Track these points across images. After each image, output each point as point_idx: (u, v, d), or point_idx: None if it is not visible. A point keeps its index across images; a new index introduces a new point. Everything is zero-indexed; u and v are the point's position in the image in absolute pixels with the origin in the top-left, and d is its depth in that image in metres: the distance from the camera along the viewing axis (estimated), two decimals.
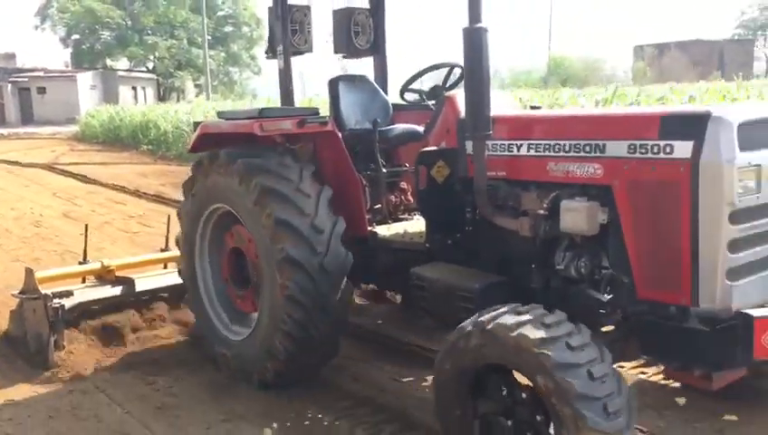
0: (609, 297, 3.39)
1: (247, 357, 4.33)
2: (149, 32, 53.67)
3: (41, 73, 50.92)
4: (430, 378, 3.56)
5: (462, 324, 3.09)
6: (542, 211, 3.48)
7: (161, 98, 51.92)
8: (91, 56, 55.57)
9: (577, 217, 3.30)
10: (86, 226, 5.78)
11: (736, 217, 2.89)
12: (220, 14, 56.95)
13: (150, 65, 57.13)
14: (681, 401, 3.94)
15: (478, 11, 3.51)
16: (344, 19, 5.42)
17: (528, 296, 3.50)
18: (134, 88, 53.06)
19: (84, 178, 15.81)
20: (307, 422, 3.95)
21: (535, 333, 2.80)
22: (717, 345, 2.88)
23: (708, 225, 2.91)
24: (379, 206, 4.69)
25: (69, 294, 4.89)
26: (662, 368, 3.98)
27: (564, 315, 2.94)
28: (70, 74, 50.20)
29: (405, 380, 4.49)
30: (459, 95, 3.92)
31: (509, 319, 2.92)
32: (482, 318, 3.01)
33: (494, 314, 3.00)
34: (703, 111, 2.96)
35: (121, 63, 57.52)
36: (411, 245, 4.28)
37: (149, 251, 6.37)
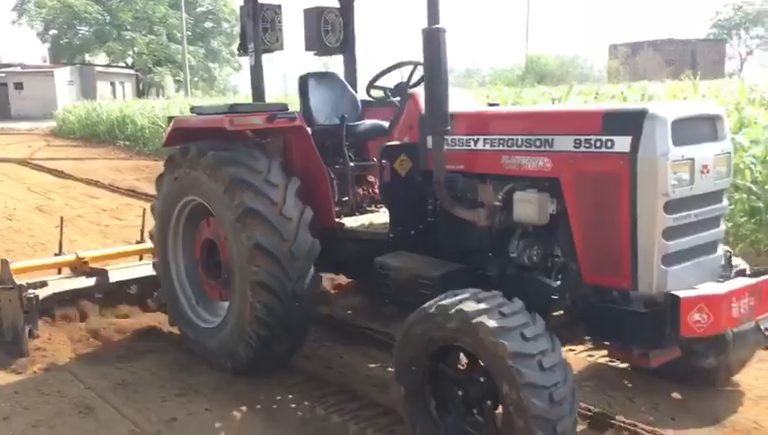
0: (559, 283, 3.60)
1: (220, 344, 4.48)
2: (128, 27, 53.38)
3: (18, 69, 50.44)
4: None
5: (441, 302, 3.20)
6: (497, 202, 3.67)
7: (141, 94, 51.67)
8: (70, 51, 55.19)
9: (528, 207, 3.50)
10: (61, 218, 5.90)
11: (670, 206, 3.10)
12: (200, 9, 56.74)
13: (129, 61, 56.82)
14: (625, 380, 4.19)
15: (436, 12, 3.70)
16: (314, 18, 5.56)
17: (485, 284, 3.71)
18: (112, 84, 52.76)
19: (59, 174, 15.94)
20: (274, 405, 4.13)
21: (493, 323, 2.97)
22: (652, 326, 3.09)
23: (645, 214, 3.12)
24: (347, 198, 4.85)
25: (43, 284, 5.02)
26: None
27: (521, 305, 3.11)
28: (47, 70, 49.78)
29: (372, 365, 4.68)
30: (422, 92, 4.09)
31: (470, 305, 3.10)
32: (443, 302, 3.19)
33: (454, 299, 3.17)
34: (640, 108, 3.17)
35: (100, 59, 57.11)
36: (376, 235, 4.44)
37: (120, 243, 6.49)
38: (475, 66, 76.92)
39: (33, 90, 46.92)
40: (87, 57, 56.45)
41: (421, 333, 3.24)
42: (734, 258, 3.75)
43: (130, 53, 55.30)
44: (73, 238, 8.20)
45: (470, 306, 3.04)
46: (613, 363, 4.26)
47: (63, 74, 48.95)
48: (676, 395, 4.00)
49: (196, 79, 54.86)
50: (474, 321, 2.97)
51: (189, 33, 48.19)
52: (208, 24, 57.87)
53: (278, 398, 4.20)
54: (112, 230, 9.33)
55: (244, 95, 26.01)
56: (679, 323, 2.81)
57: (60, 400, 4.18)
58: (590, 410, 3.76)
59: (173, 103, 25.77)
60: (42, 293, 4.95)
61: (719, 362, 3.17)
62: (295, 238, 4.22)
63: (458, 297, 3.16)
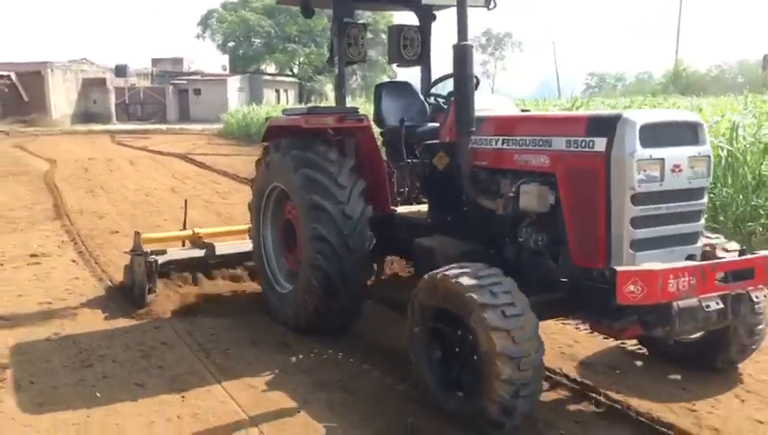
0: (557, 265, 3.98)
1: (288, 306, 5.20)
2: (296, 39, 56.36)
3: (197, 77, 54.98)
4: None
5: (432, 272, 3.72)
6: (511, 194, 4.11)
7: (303, 100, 54.37)
8: (245, 61, 58.99)
9: (530, 198, 3.92)
10: (185, 201, 6.89)
11: (637, 199, 3.44)
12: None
13: (295, 70, 59.99)
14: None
15: (465, 31, 4.20)
16: (396, 34, 6.17)
17: (500, 264, 4.15)
18: (277, 91, 55.97)
19: (201, 165, 18.39)
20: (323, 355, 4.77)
21: (468, 281, 3.46)
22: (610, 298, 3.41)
23: (616, 205, 3.48)
24: (403, 190, 5.42)
25: (163, 252, 5.98)
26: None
27: (497, 271, 3.56)
28: (221, 78, 53.84)
29: None
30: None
31: (454, 271, 3.60)
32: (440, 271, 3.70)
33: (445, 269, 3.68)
34: (616, 113, 3.52)
35: (271, 69, 60.71)
36: (419, 221, 4.98)
37: (213, 215, 7.52)
38: (621, 72, 74.33)
39: (209, 95, 51.03)
40: (263, 67, 59.99)
41: (423, 297, 3.76)
42: (732, 249, 3.96)
43: (295, 63, 58.37)
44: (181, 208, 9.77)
45: (455, 271, 3.54)
46: (624, 345, 4.58)
47: (235, 82, 52.77)
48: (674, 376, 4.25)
49: (354, 86, 56.87)
50: (453, 281, 3.48)
51: None
52: (368, 36, 59.88)
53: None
54: (213, 206, 11.48)
55: None
56: (616, 292, 3.15)
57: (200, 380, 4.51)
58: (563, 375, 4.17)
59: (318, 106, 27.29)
60: (161, 259, 5.91)
61: (666, 333, 3.42)
62: (354, 233, 4.79)
63: (453, 268, 3.65)
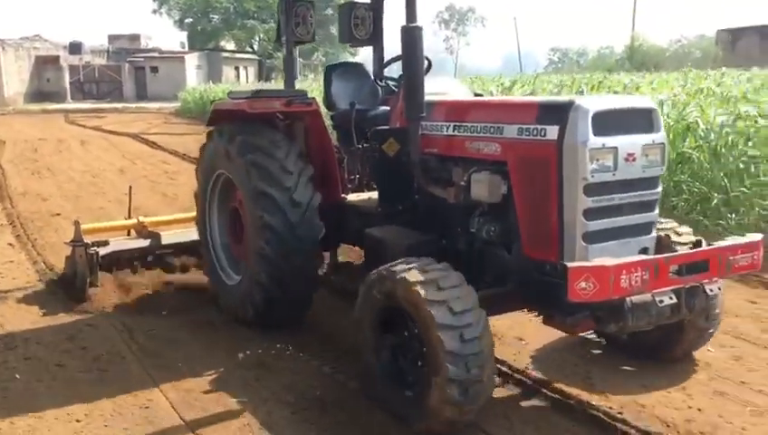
0: (510, 257, 3.83)
1: (236, 298, 4.97)
2: (255, 15, 55.21)
3: (155, 54, 53.57)
4: None
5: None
6: (462, 183, 3.92)
7: (264, 78, 53.46)
8: (203, 38, 57.65)
9: (482, 187, 3.74)
10: (130, 187, 6.57)
11: (590, 190, 3.28)
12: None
13: (255, 47, 58.86)
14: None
15: (414, 12, 3.98)
16: (346, 12, 5.89)
17: (452, 255, 4.00)
18: (237, 68, 54.98)
19: (153, 145, 18.13)
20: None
21: (416, 277, 3.29)
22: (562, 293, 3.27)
23: (569, 195, 3.32)
24: (354, 177, 5.21)
25: (105, 243, 5.68)
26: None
27: (445, 265, 3.39)
28: (179, 55, 52.57)
29: None
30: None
31: (402, 267, 3.42)
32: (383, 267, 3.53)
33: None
34: (568, 100, 3.35)
35: (231, 45, 59.42)
36: (371, 209, 4.78)
37: (159, 195, 7.77)
38: (582, 48, 74.75)
39: (167, 73, 49.74)
40: (222, 43, 58.66)
41: (370, 293, 3.58)
42: (685, 234, 3.87)
43: (255, 39, 57.26)
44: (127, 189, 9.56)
45: (401, 267, 3.36)
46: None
47: (193, 59, 51.55)
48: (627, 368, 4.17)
49: (316, 63, 56.06)
50: (399, 277, 3.31)
51: None
52: (328, 11, 59.00)
53: (288, 352, 4.51)
54: (160, 186, 11.43)
55: None
56: (567, 288, 3.00)
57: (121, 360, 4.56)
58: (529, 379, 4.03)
59: (275, 85, 26.90)
60: (103, 250, 5.61)
61: (619, 329, 3.31)
62: (301, 221, 4.56)
63: (400, 263, 3.47)
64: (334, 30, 58.46)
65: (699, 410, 3.65)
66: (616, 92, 11.65)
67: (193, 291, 5.61)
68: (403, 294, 3.31)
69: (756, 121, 7.71)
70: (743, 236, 3.49)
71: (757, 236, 3.45)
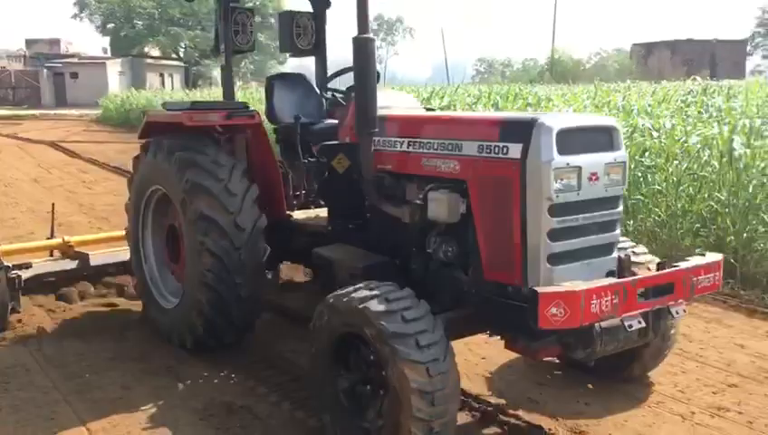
0: (469, 279, 3.66)
1: (173, 323, 4.64)
2: (180, 22, 53.84)
3: (74, 60, 51.59)
4: None
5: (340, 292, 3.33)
6: (418, 201, 3.73)
7: (190, 85, 52.16)
8: (126, 44, 55.78)
9: (440, 206, 3.55)
10: (53, 205, 6.10)
11: (555, 210, 3.14)
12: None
13: (181, 54, 57.38)
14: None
15: (366, 22, 3.77)
16: (287, 21, 5.65)
17: (407, 276, 3.81)
18: (161, 75, 53.53)
19: (71, 153, 17.44)
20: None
21: (378, 307, 3.07)
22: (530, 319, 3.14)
23: (532, 216, 3.17)
24: (299, 193, 4.96)
25: (28, 266, 5.22)
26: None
27: (409, 292, 3.21)
28: (100, 61, 50.82)
29: None
30: None
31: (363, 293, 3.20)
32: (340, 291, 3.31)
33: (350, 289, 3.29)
34: (531, 117, 3.21)
35: (156, 52, 57.73)
36: (320, 228, 4.55)
37: (76, 205, 7.48)
38: (508, 59, 76.34)
39: (87, 79, 47.93)
40: (147, 50, 56.90)
41: (327, 320, 3.35)
42: (642, 254, 3.81)
43: (180, 46, 55.82)
44: (41, 199, 9.15)
45: (362, 294, 3.15)
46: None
47: (115, 66, 49.96)
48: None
49: (244, 70, 55.13)
50: (360, 306, 3.09)
51: None
52: (257, 19, 58.21)
53: (232, 381, 4.25)
54: (77, 196, 10.87)
55: None
56: (537, 315, 2.86)
57: (26, 372, 4.33)
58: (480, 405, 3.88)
59: (209, 94, 26.16)
60: (25, 274, 5.15)
61: (587, 355, 3.22)
62: (246, 246, 4.30)
63: (360, 289, 3.25)
64: (262, 37, 58.35)
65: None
66: (529, 105, 11.66)
67: (125, 315, 5.22)
68: (364, 325, 3.10)
69: (652, 134, 7.87)
70: (703, 256, 3.43)
71: (717, 256, 3.41)
